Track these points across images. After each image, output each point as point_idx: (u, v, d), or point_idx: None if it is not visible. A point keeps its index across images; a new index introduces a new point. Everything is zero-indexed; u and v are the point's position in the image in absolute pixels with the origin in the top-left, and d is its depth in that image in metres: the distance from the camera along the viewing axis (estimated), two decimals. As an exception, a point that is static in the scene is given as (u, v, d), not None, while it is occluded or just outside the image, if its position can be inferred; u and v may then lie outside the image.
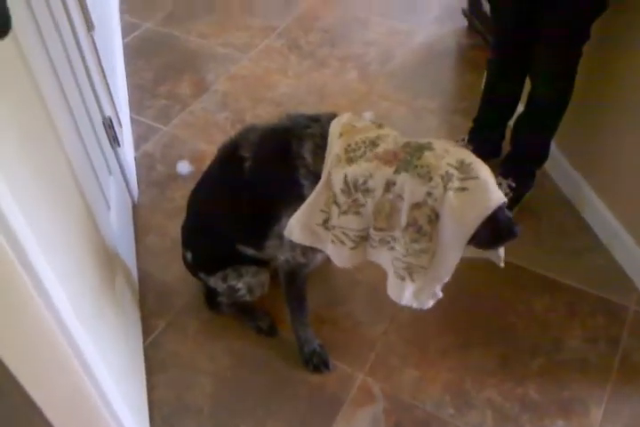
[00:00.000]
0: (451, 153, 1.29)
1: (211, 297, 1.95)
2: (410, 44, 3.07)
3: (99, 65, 1.99)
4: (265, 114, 2.66)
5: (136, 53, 3.03)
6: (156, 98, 2.80)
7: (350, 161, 1.34)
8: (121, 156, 2.16)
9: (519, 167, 2.26)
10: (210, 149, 2.45)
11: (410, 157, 1.29)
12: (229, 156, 1.62)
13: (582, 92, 1.99)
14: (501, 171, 2.26)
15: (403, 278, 1.40)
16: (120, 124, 2.31)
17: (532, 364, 1.84)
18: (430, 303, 1.46)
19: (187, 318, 1.97)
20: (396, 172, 1.28)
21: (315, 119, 1.50)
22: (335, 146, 1.38)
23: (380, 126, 1.45)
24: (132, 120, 2.67)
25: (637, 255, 2.01)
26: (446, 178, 1.24)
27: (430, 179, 1.25)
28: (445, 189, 1.24)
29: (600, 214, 2.16)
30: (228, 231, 1.70)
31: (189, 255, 1.87)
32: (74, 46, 1.71)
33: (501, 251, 1.48)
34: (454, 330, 1.93)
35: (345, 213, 1.35)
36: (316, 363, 1.82)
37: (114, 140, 2.09)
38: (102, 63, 2.04)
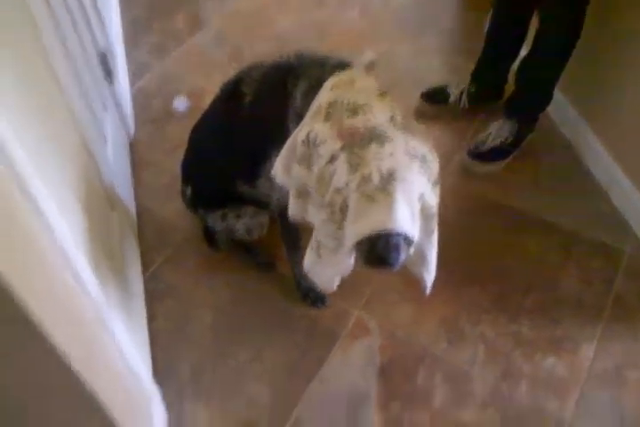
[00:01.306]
0: (393, 158, 1.17)
1: (209, 234, 1.96)
2: (413, -19, 2.98)
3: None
4: (263, 51, 2.59)
5: (130, -13, 2.93)
6: (150, 34, 2.73)
7: (327, 118, 1.29)
8: (116, 91, 2.12)
9: (522, 110, 2.23)
10: (206, 86, 2.40)
11: (358, 142, 1.21)
12: (231, 91, 1.60)
13: (588, 35, 1.95)
14: (504, 113, 2.24)
15: (312, 248, 1.37)
16: (115, 59, 2.26)
17: (526, 302, 1.87)
18: (324, 287, 1.42)
19: (186, 252, 1.98)
20: (341, 149, 1.21)
21: (320, 61, 1.45)
22: (323, 96, 1.34)
23: (382, 95, 1.35)
24: (127, 56, 2.61)
25: (636, 200, 2.02)
26: (365, 179, 1.15)
27: (355, 172, 1.17)
28: (357, 188, 1.16)
29: (600, 159, 2.15)
30: (226, 167, 1.69)
31: (189, 191, 1.86)
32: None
33: (428, 278, 1.43)
34: (450, 268, 1.92)
35: (299, 163, 1.30)
36: (313, 298, 1.84)
37: (108, 75, 2.04)
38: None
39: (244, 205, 1.80)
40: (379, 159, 1.17)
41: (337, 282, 1.43)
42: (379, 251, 1.18)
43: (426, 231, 1.28)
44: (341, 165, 1.20)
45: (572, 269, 1.95)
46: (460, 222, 2.01)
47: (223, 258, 1.96)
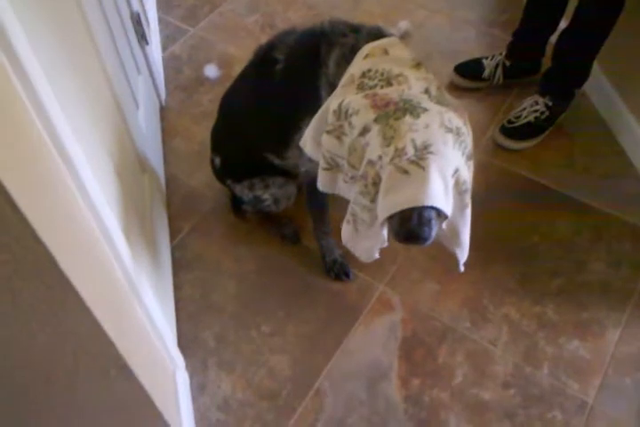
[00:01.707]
0: (428, 131, 1.14)
1: (236, 204, 1.96)
2: (452, -51, 2.89)
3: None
4: (296, 18, 2.55)
5: (163, -52, 2.88)
6: (183, -1, 2.69)
7: (360, 87, 1.26)
8: (149, 55, 2.10)
9: (558, 85, 2.17)
10: (238, 54, 2.38)
11: (392, 113, 1.18)
12: (263, 57, 1.57)
13: (630, 8, 1.87)
14: (539, 88, 2.19)
15: (348, 222, 1.36)
16: (147, 22, 2.23)
17: (553, 284, 1.85)
18: (365, 259, 1.41)
19: (212, 221, 1.98)
20: (375, 121, 1.19)
21: (355, 29, 1.42)
22: (356, 65, 1.32)
23: (417, 65, 1.32)
24: (160, 20, 2.58)
25: (671, 182, 1.97)
26: (399, 152, 1.13)
27: (389, 145, 1.15)
28: (391, 161, 1.14)
29: (636, 139, 2.09)
30: (256, 137, 1.68)
31: (218, 161, 1.85)
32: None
33: (461, 256, 1.40)
34: (477, 247, 1.89)
35: (329, 133, 1.28)
36: (337, 272, 1.85)
37: (142, 38, 2.02)
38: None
39: (273, 176, 1.79)
40: (413, 131, 1.14)
41: (377, 253, 1.42)
42: (410, 225, 1.16)
43: (459, 207, 1.25)
44: (375, 138, 1.18)
45: (601, 252, 1.92)
46: (490, 199, 1.98)
47: (249, 229, 1.97)
